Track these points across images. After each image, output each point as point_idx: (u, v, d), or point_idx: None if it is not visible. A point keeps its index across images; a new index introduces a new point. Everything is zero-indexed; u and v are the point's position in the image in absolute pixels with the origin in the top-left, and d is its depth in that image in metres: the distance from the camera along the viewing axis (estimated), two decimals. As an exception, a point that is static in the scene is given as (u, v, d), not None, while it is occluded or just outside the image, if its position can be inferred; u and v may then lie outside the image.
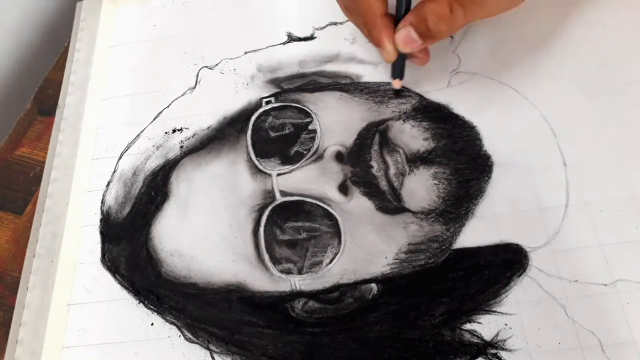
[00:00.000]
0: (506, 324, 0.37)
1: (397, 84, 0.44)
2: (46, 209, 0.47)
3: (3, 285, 0.45)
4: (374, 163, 0.43)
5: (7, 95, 0.59)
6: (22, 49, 0.60)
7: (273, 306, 0.40)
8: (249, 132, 0.46)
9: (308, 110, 0.46)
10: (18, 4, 0.59)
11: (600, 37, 0.46)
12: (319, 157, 0.44)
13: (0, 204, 0.49)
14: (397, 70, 0.43)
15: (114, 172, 0.47)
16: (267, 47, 0.51)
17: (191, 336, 0.40)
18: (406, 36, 0.39)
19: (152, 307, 0.41)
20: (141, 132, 0.49)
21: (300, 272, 0.41)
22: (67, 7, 0.60)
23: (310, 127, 0.45)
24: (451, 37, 0.48)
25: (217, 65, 0.51)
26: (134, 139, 0.49)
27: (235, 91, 0.49)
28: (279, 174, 0.44)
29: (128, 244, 0.44)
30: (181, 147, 0.47)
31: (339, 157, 0.44)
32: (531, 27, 0.47)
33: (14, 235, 0.48)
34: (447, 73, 0.46)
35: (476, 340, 0.37)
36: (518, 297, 0.38)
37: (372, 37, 0.41)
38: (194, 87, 0.50)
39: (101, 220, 0.45)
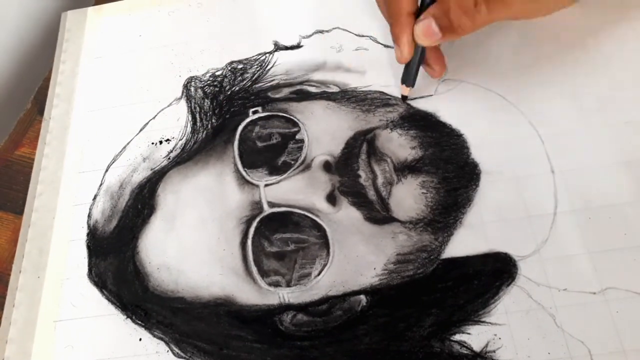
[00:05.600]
0: (495, 335, 0.37)
1: (405, 91, 0.44)
2: (32, 223, 0.46)
3: (3, 285, 0.45)
4: (361, 172, 0.42)
5: (7, 95, 0.58)
6: (22, 49, 0.60)
7: (261, 320, 0.40)
8: (236, 143, 0.46)
9: (295, 119, 0.46)
10: (18, 4, 0.58)
11: (587, 44, 0.46)
12: (306, 167, 0.44)
13: (0, 204, 0.49)
14: (409, 75, 0.43)
15: (100, 185, 0.47)
16: (253, 56, 0.51)
17: (179, 351, 0.39)
18: (427, 27, 0.39)
19: (139, 322, 0.41)
20: (127, 144, 0.49)
21: (288, 285, 0.40)
22: (67, 7, 0.59)
23: (297, 137, 0.45)
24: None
25: (203, 75, 0.51)
26: (121, 151, 0.48)
27: (222, 101, 0.49)
28: (266, 185, 0.43)
29: (115, 258, 0.43)
30: (168, 158, 0.47)
31: (327, 166, 0.43)
32: (518, 34, 0.47)
33: (14, 235, 0.47)
34: (434, 81, 0.46)
35: (465, 352, 0.37)
36: (507, 307, 0.37)
37: (393, 33, 0.41)
38: (180, 98, 0.50)
39: (88, 234, 0.45)
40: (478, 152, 0.43)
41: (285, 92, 0.49)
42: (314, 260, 0.41)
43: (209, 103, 0.49)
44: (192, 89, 0.50)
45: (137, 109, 0.50)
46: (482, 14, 0.37)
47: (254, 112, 0.47)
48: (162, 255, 0.43)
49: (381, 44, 0.49)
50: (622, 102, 0.43)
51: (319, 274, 0.40)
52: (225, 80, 0.50)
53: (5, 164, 0.51)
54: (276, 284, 0.40)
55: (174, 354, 0.39)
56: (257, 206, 0.43)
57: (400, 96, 0.46)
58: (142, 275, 0.42)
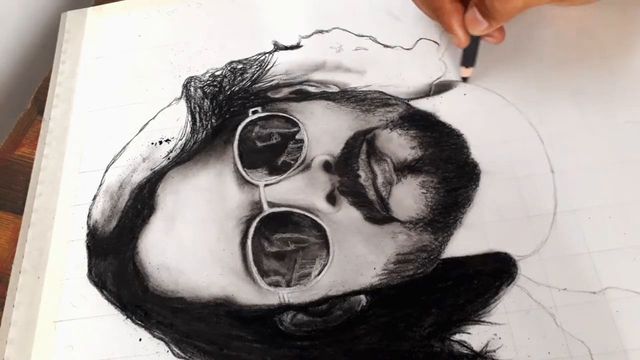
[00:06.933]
0: (495, 334, 0.37)
1: (466, 73, 0.45)
2: (32, 224, 0.46)
3: (3, 285, 0.45)
4: (361, 172, 0.42)
5: (7, 95, 0.58)
6: (22, 49, 0.60)
7: (261, 320, 0.40)
8: (236, 143, 0.46)
9: (295, 119, 0.46)
10: (18, 4, 0.58)
11: (587, 43, 0.46)
12: (306, 167, 0.44)
13: (0, 204, 0.49)
14: (469, 57, 0.44)
15: (100, 186, 0.47)
16: (253, 56, 0.51)
17: (179, 352, 0.39)
18: (472, 17, 0.39)
19: (139, 322, 0.41)
20: (127, 144, 0.49)
21: (288, 285, 0.40)
22: (67, 7, 0.59)
23: (297, 137, 0.45)
24: (437, 43, 0.48)
25: (203, 75, 0.51)
26: (120, 151, 0.48)
27: (221, 101, 0.49)
28: (266, 185, 0.43)
29: (115, 259, 0.43)
30: (168, 158, 0.47)
31: (327, 166, 0.43)
32: (518, 33, 0.47)
33: (14, 235, 0.47)
34: (434, 81, 0.46)
35: (466, 351, 0.37)
36: (507, 307, 0.37)
37: (443, 23, 0.42)
38: (180, 98, 0.50)
39: (88, 234, 0.45)
40: (478, 152, 0.43)
41: (284, 92, 0.49)
42: (314, 260, 0.41)
43: (208, 103, 0.49)
44: (192, 89, 0.50)
45: (137, 109, 0.50)
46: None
47: (254, 112, 0.47)
48: (162, 255, 0.43)
49: (381, 44, 0.49)
50: (622, 102, 0.43)
51: (319, 274, 0.40)
52: (225, 80, 0.50)
53: (5, 164, 0.51)
54: (276, 284, 0.40)
55: (174, 354, 0.39)
56: (256, 206, 0.43)
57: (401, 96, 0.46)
58: (142, 275, 0.42)
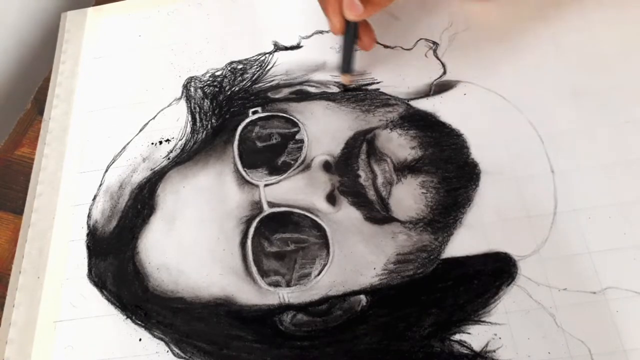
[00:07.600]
0: (495, 334, 0.37)
1: (345, 80, 0.46)
2: (32, 224, 0.46)
3: (3, 286, 0.45)
4: (361, 172, 0.42)
5: (7, 95, 0.58)
6: (22, 49, 0.60)
7: (261, 320, 0.40)
8: (236, 143, 0.46)
9: (295, 119, 0.46)
10: (18, 4, 0.58)
11: (586, 43, 0.46)
12: (306, 167, 0.44)
13: (0, 204, 0.49)
14: (345, 63, 0.45)
15: (100, 186, 0.47)
16: (253, 56, 0.51)
17: (179, 352, 0.39)
18: (350, 2, 0.40)
19: (139, 322, 0.41)
20: (127, 144, 0.49)
21: (288, 285, 0.40)
22: (67, 7, 0.60)
23: (297, 137, 0.45)
24: (437, 43, 0.48)
25: (203, 75, 0.51)
26: (120, 151, 0.48)
27: (221, 101, 0.49)
28: (266, 185, 0.43)
29: (115, 259, 0.43)
30: (168, 158, 0.47)
31: (327, 166, 0.43)
32: (517, 33, 0.47)
33: (14, 235, 0.47)
34: (433, 81, 0.46)
35: (466, 351, 0.37)
36: (507, 307, 0.37)
37: (324, 10, 0.43)
38: (180, 98, 0.50)
39: (88, 234, 0.45)
40: (478, 152, 0.43)
41: (285, 92, 0.49)
42: (314, 260, 0.41)
43: (208, 103, 0.49)
44: (192, 89, 0.50)
45: (137, 109, 0.50)
46: None
47: (254, 113, 0.47)
48: (162, 255, 0.43)
49: (380, 44, 0.49)
50: (622, 101, 0.43)
51: (319, 274, 0.40)
52: (225, 80, 0.50)
53: (5, 164, 0.51)
54: (276, 284, 0.40)
55: (174, 354, 0.39)
56: (256, 206, 0.43)
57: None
58: (142, 275, 0.42)
